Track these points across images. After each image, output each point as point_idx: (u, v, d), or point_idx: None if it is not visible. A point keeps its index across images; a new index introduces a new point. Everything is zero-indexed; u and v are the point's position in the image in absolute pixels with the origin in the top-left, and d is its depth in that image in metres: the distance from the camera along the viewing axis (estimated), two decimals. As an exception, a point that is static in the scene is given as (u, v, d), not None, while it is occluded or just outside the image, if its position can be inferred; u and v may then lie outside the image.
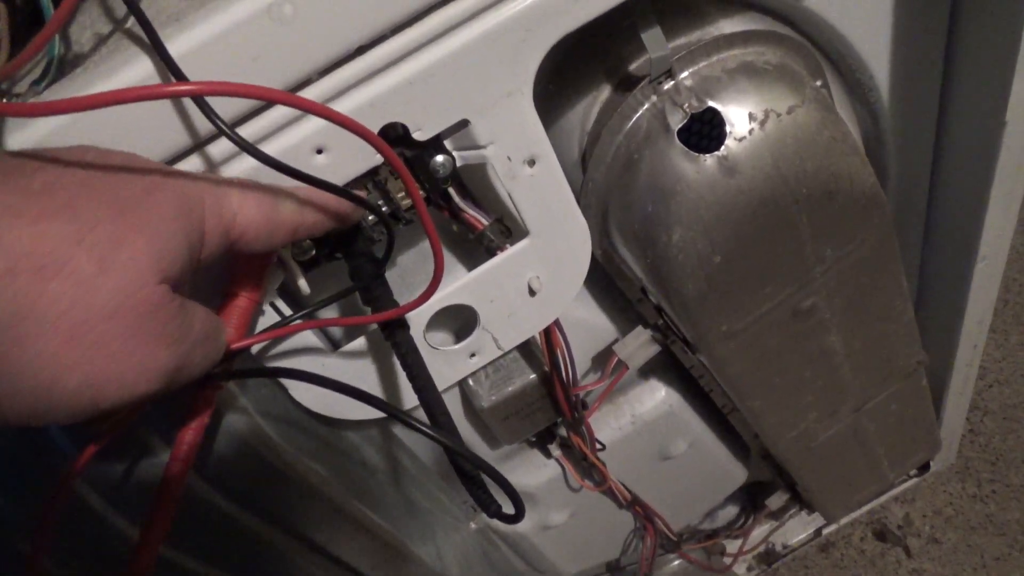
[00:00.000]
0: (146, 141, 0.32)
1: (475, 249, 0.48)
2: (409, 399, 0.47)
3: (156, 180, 0.27)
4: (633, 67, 0.47)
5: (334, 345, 0.46)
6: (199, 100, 0.28)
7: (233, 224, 0.29)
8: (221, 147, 0.34)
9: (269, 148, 0.33)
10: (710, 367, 0.58)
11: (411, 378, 0.36)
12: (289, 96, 0.27)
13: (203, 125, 0.32)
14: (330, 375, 0.43)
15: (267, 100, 0.27)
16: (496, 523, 0.73)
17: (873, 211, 0.51)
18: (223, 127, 0.28)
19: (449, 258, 0.51)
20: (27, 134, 0.30)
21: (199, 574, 0.45)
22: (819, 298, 0.55)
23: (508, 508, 0.36)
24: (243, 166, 0.34)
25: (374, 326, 0.45)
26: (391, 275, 0.44)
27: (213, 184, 0.29)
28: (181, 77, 0.29)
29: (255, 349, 0.40)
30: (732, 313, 0.52)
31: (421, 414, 0.55)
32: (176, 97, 0.27)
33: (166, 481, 0.36)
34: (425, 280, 0.39)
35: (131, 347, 0.25)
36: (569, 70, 0.49)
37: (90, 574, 0.42)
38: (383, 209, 0.39)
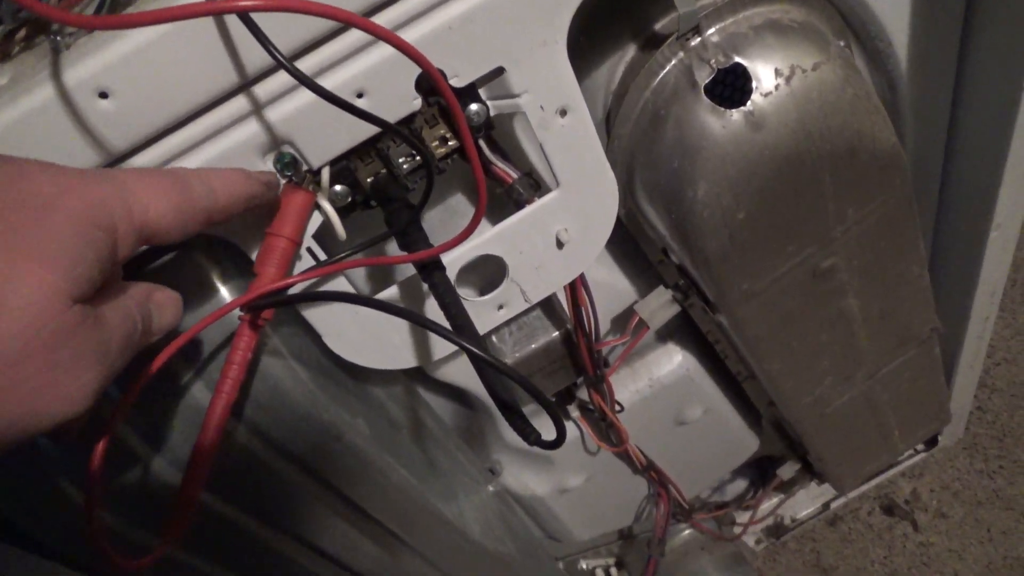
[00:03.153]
0: (200, 76, 0.33)
1: (502, 206, 0.49)
2: (439, 350, 0.48)
3: (52, 196, 0.25)
4: (659, 25, 0.48)
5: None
6: (256, 31, 0.29)
7: (146, 220, 0.28)
8: (268, 87, 0.35)
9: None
10: (729, 328, 0.59)
11: (449, 317, 0.37)
12: (360, 19, 0.27)
13: (253, 62, 0.33)
14: (362, 323, 0.44)
15: (340, 20, 0.27)
16: (512, 486, 0.74)
17: (894, 171, 0.51)
18: (280, 58, 0.29)
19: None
20: (96, 59, 0.31)
21: (233, 520, 0.47)
22: (839, 259, 0.55)
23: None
24: (292, 104, 0.35)
25: (405, 275, 0.46)
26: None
27: (118, 183, 0.27)
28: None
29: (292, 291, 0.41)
30: (753, 272, 0.53)
31: (451, 362, 0.57)
32: (261, 11, 0.27)
33: (210, 418, 0.37)
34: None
35: (51, 380, 0.24)
36: (595, 30, 0.49)
37: (131, 516, 0.43)
38: (419, 154, 0.39)
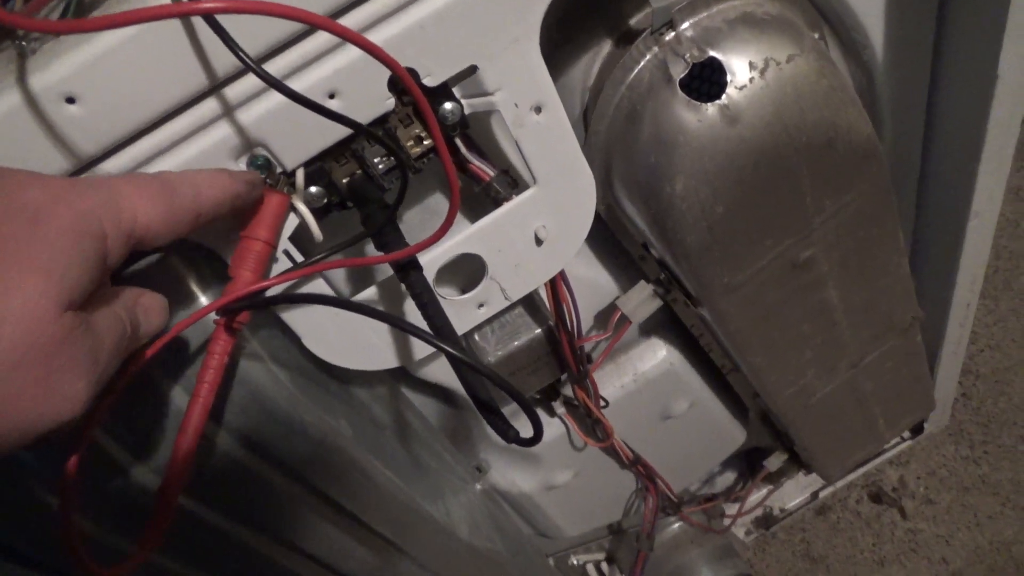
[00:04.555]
0: (169, 79, 0.32)
1: (480, 204, 0.49)
2: (420, 350, 0.48)
3: (44, 207, 0.25)
4: (634, 21, 0.48)
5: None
6: (222, 33, 0.29)
7: (134, 225, 0.28)
8: (236, 90, 0.34)
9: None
10: (712, 322, 0.59)
11: (426, 317, 0.36)
12: (325, 20, 0.27)
13: (222, 64, 0.32)
14: (341, 324, 0.44)
15: (304, 22, 0.27)
16: (500, 483, 0.74)
17: (870, 161, 0.52)
18: (247, 60, 0.28)
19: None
20: (62, 64, 0.31)
21: (216, 525, 0.46)
22: (818, 250, 0.56)
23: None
24: (263, 106, 0.35)
25: (383, 276, 0.46)
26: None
27: (105, 191, 0.28)
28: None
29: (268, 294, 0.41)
30: (734, 265, 0.53)
31: (434, 361, 0.57)
32: (224, 13, 0.27)
33: (187, 422, 0.36)
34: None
35: (46, 386, 0.25)
36: (570, 26, 0.49)
37: (112, 523, 0.43)
38: (396, 156, 0.39)
